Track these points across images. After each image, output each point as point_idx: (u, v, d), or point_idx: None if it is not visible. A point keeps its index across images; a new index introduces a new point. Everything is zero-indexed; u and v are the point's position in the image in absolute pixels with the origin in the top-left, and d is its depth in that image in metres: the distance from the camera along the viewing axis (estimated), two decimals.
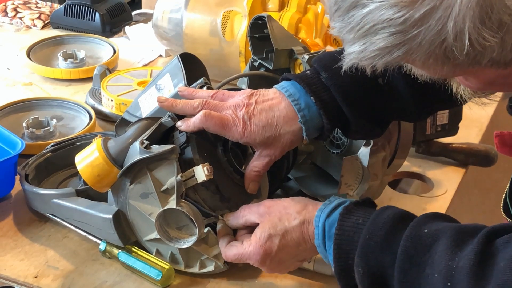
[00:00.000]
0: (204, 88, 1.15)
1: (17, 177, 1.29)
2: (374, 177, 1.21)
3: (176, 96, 1.14)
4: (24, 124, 1.48)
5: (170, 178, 1.07)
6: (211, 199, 1.09)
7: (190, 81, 1.17)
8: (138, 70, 1.68)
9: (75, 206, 1.17)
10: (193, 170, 1.06)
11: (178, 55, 1.19)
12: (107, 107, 1.56)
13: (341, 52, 0.84)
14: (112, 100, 1.54)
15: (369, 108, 1.10)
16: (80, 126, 1.51)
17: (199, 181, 1.06)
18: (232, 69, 1.64)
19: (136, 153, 1.08)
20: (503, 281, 0.82)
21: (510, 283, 0.82)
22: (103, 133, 1.40)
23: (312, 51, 1.30)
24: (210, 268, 1.12)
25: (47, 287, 1.12)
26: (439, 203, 1.35)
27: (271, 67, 1.32)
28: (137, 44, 1.95)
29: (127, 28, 2.01)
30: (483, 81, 0.83)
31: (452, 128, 1.47)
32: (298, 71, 1.30)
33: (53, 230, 1.23)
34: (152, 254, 1.14)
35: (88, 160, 1.10)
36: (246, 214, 1.07)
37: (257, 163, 1.11)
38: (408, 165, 1.44)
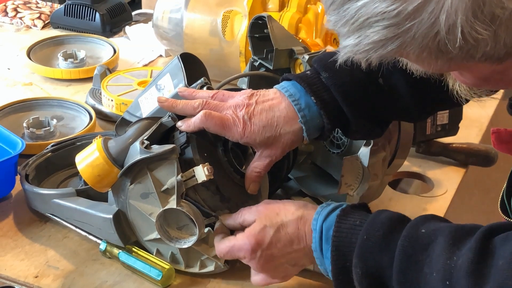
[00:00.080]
0: (204, 88, 1.15)
1: (17, 177, 1.29)
2: (374, 177, 1.21)
3: (176, 96, 1.14)
4: (24, 124, 1.49)
5: (171, 178, 1.07)
6: (211, 199, 1.09)
7: (190, 81, 1.17)
8: (138, 70, 1.68)
9: (75, 206, 1.17)
10: (193, 170, 1.06)
11: (178, 55, 1.19)
12: (107, 107, 1.56)
13: None
14: (112, 100, 1.54)
15: (369, 108, 1.10)
16: (80, 126, 1.51)
17: (199, 181, 1.06)
18: (232, 69, 1.64)
19: (136, 153, 1.08)
20: (502, 279, 0.82)
21: (509, 281, 0.82)
22: (103, 133, 1.40)
23: (312, 51, 1.30)
24: (210, 268, 1.12)
25: (47, 287, 1.12)
26: (439, 203, 1.35)
27: (271, 67, 1.32)
28: (137, 44, 1.95)
29: (127, 28, 2.01)
30: (478, 77, 0.83)
31: (452, 128, 1.47)
32: (298, 71, 1.30)
33: (53, 230, 1.24)
34: (153, 254, 1.14)
35: (88, 160, 1.10)
36: (245, 213, 1.07)
37: (258, 164, 1.11)
38: (408, 165, 1.44)
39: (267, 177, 1.17)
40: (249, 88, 1.28)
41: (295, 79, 1.11)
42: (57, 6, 2.17)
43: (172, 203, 1.07)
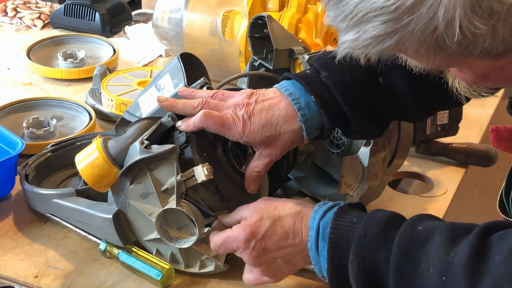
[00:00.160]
0: (204, 88, 1.15)
1: (17, 177, 1.29)
2: (374, 177, 1.21)
3: (176, 96, 1.14)
4: (24, 124, 1.49)
5: (170, 178, 1.07)
6: (211, 199, 1.09)
7: (190, 81, 1.17)
8: (138, 70, 1.68)
9: (75, 206, 1.17)
10: (193, 170, 1.06)
11: (178, 55, 1.19)
12: (107, 107, 1.56)
13: None
14: (112, 100, 1.54)
15: (369, 107, 1.10)
16: (80, 126, 1.51)
17: (199, 181, 1.06)
18: (232, 69, 1.64)
19: (136, 153, 1.08)
20: (499, 275, 0.82)
21: (506, 277, 0.82)
22: (103, 133, 1.40)
23: (312, 51, 1.30)
24: (210, 268, 1.12)
25: (47, 287, 1.12)
26: (439, 203, 1.35)
27: (271, 67, 1.32)
28: (137, 44, 1.95)
29: (127, 28, 2.01)
30: (476, 73, 0.83)
31: (452, 128, 1.47)
32: (298, 71, 1.30)
33: (53, 230, 1.23)
34: (152, 254, 1.14)
35: (88, 160, 1.10)
36: (243, 211, 1.06)
37: (257, 163, 1.11)
38: (408, 165, 1.44)
39: (267, 177, 1.17)
40: (249, 88, 1.28)
41: (294, 78, 1.11)
42: (57, 6, 2.17)
43: (172, 203, 1.07)
